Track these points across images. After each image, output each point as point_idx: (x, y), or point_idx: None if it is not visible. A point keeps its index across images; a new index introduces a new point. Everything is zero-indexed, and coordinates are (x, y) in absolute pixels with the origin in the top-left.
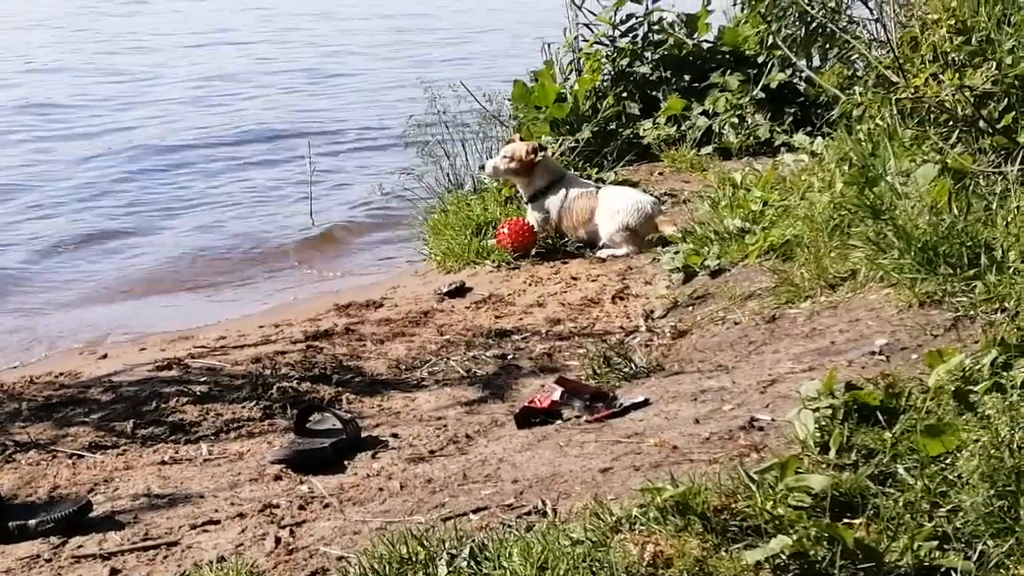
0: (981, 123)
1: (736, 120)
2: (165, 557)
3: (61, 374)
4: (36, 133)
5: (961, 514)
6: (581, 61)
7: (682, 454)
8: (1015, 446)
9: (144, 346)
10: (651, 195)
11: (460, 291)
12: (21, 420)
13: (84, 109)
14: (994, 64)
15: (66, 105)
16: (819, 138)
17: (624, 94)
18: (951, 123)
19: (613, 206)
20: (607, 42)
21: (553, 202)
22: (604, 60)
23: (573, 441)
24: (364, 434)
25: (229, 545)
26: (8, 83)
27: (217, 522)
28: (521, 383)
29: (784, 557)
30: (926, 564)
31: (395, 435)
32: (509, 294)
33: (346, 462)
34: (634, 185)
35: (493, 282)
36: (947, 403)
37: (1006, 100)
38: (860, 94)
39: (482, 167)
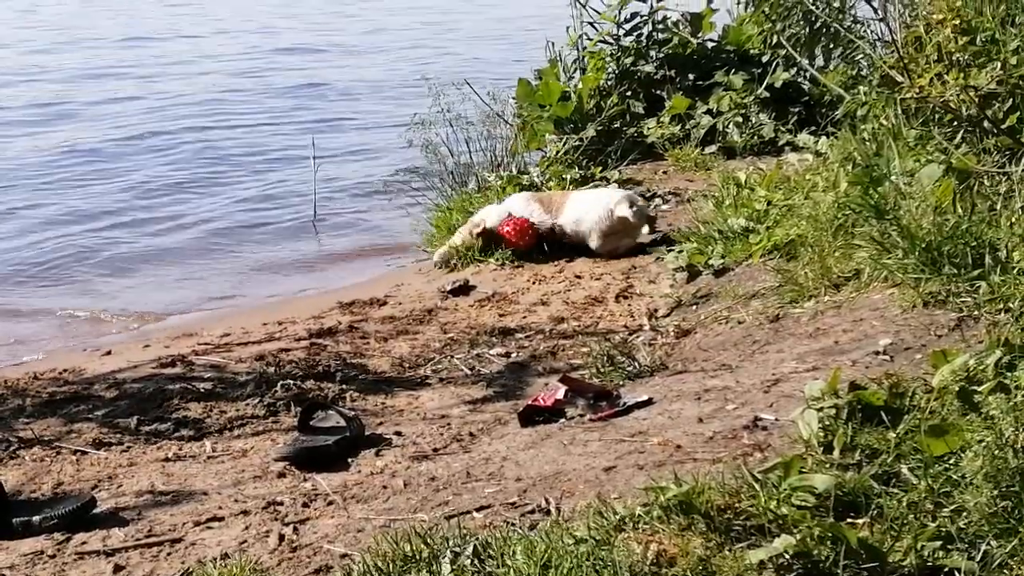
0: (986, 123)
1: (740, 119)
2: (169, 554)
3: (65, 370)
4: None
5: (965, 514)
6: (585, 60)
7: (686, 453)
8: (1019, 446)
9: (148, 343)
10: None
11: (464, 289)
12: (25, 416)
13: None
14: (999, 64)
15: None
16: (823, 137)
17: (628, 93)
18: (955, 123)
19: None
20: (611, 41)
21: None
22: (608, 59)
23: (577, 440)
24: (368, 432)
25: (233, 542)
26: None
27: (221, 519)
28: (525, 381)
29: (787, 557)
30: (930, 564)
31: (399, 433)
32: (513, 292)
33: (350, 460)
34: (638, 184)
35: (497, 280)
36: (951, 403)
37: (1011, 100)
38: (864, 94)
39: None
